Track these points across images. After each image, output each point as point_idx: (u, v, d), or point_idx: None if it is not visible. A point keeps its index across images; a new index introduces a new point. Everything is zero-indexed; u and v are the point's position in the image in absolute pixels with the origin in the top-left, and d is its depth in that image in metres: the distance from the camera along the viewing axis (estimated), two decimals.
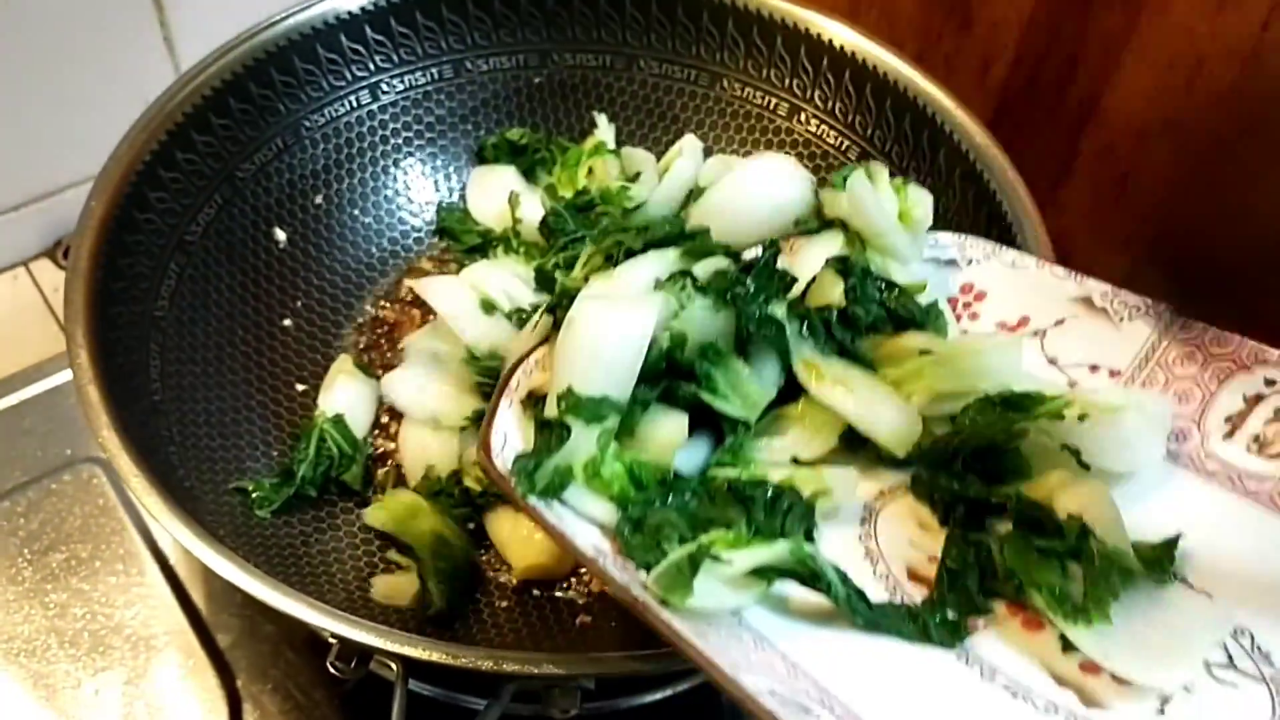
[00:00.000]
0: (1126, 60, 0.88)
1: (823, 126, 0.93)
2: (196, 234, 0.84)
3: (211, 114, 0.84)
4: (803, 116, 0.94)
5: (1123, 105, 0.90)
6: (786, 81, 0.94)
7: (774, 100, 0.95)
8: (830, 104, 0.92)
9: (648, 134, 0.99)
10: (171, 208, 0.81)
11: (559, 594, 0.77)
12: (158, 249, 0.80)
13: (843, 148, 0.92)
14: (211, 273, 0.85)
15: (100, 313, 0.72)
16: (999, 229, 0.80)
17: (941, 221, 0.84)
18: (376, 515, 0.77)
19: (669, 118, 0.98)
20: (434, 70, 0.96)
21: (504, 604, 0.76)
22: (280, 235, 0.90)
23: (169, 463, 0.72)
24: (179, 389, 0.78)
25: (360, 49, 0.92)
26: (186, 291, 0.82)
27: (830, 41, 0.90)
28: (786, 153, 0.95)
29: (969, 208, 0.83)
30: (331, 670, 0.61)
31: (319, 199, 0.92)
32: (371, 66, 0.93)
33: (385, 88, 0.94)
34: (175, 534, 0.63)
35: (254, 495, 0.76)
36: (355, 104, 0.93)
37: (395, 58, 0.94)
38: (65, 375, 0.90)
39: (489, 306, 0.81)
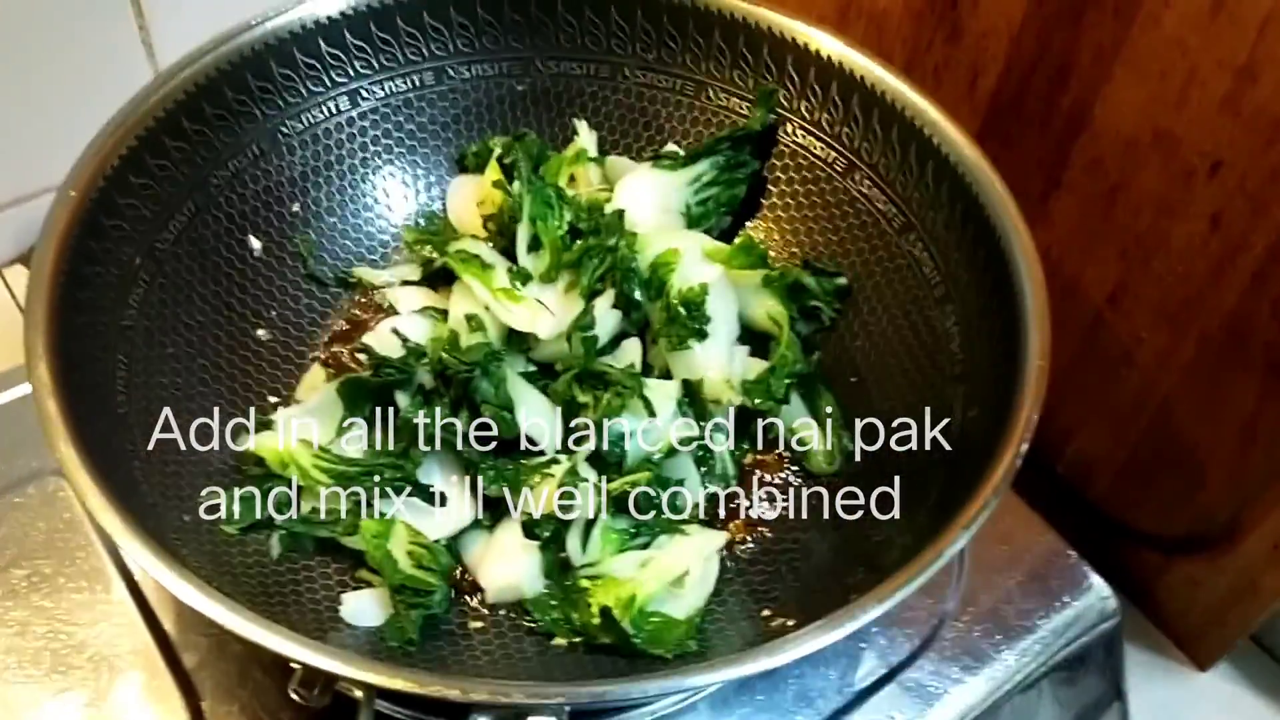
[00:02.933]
0: (1117, 71, 0.87)
1: (809, 138, 0.91)
2: (168, 242, 0.82)
3: (185, 119, 0.82)
4: (789, 128, 0.92)
5: (1113, 117, 0.89)
6: (775, 92, 0.92)
7: None
8: (816, 115, 0.90)
9: (632, 143, 0.97)
10: (141, 214, 0.79)
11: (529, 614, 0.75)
12: (126, 257, 0.78)
13: (829, 160, 0.91)
14: (183, 281, 0.83)
15: (63, 322, 0.70)
16: (987, 245, 0.78)
17: (929, 237, 0.83)
18: (351, 540, 0.75)
19: (654, 127, 0.97)
20: (415, 77, 0.94)
21: (476, 624, 0.74)
22: (255, 244, 0.88)
23: (131, 479, 0.70)
24: (146, 401, 0.76)
25: (340, 54, 0.90)
26: (156, 301, 0.80)
27: (817, 51, 0.88)
28: (772, 164, 0.93)
29: (956, 222, 0.82)
30: (294, 697, 0.59)
31: (295, 207, 0.90)
32: (351, 72, 0.91)
33: (365, 94, 0.93)
34: (132, 553, 0.61)
35: (222, 512, 0.74)
36: (334, 110, 0.91)
37: (375, 64, 0.92)
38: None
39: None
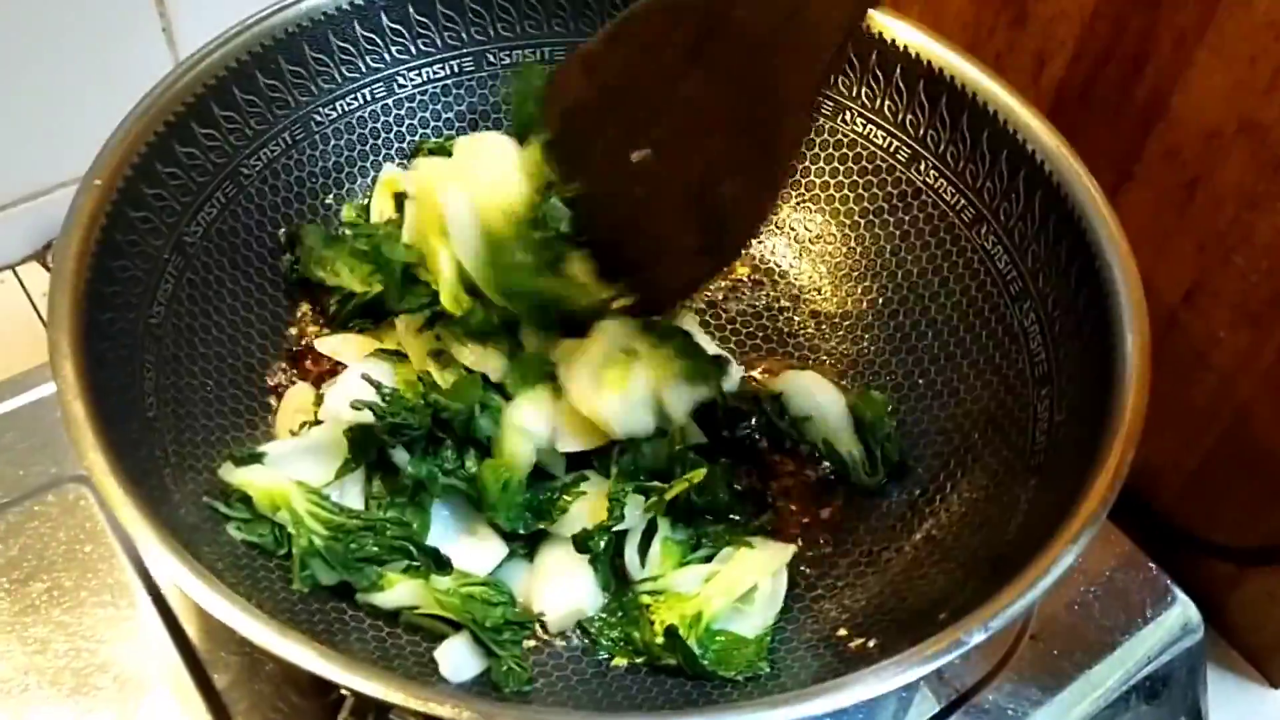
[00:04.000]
0: (1201, 56, 0.82)
1: (870, 126, 0.86)
2: (197, 234, 0.77)
3: (215, 105, 0.78)
4: (848, 116, 0.87)
5: (1194, 105, 0.84)
6: (832, 77, 0.87)
7: (818, 99, 0.88)
8: (879, 102, 0.86)
9: None
10: (169, 205, 0.75)
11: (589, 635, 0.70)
12: (153, 250, 0.73)
13: (891, 149, 0.86)
14: (213, 277, 0.78)
15: (88, 319, 0.65)
16: (1070, 236, 0.74)
17: (1003, 230, 0.78)
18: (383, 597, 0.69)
19: None
20: (454, 63, 0.89)
21: (530, 644, 0.69)
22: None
23: (163, 488, 0.65)
24: (176, 404, 0.71)
25: (375, 38, 0.86)
26: (185, 297, 0.75)
27: (880, 35, 0.83)
28: (829, 155, 0.89)
29: (1034, 212, 0.77)
30: None
31: (330, 199, 0.86)
32: (387, 58, 0.87)
33: (402, 81, 0.88)
34: (167, 569, 0.56)
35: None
36: (369, 98, 0.87)
37: (413, 49, 0.87)
38: (50, 387, 0.83)
39: None
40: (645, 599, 0.70)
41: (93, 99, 0.76)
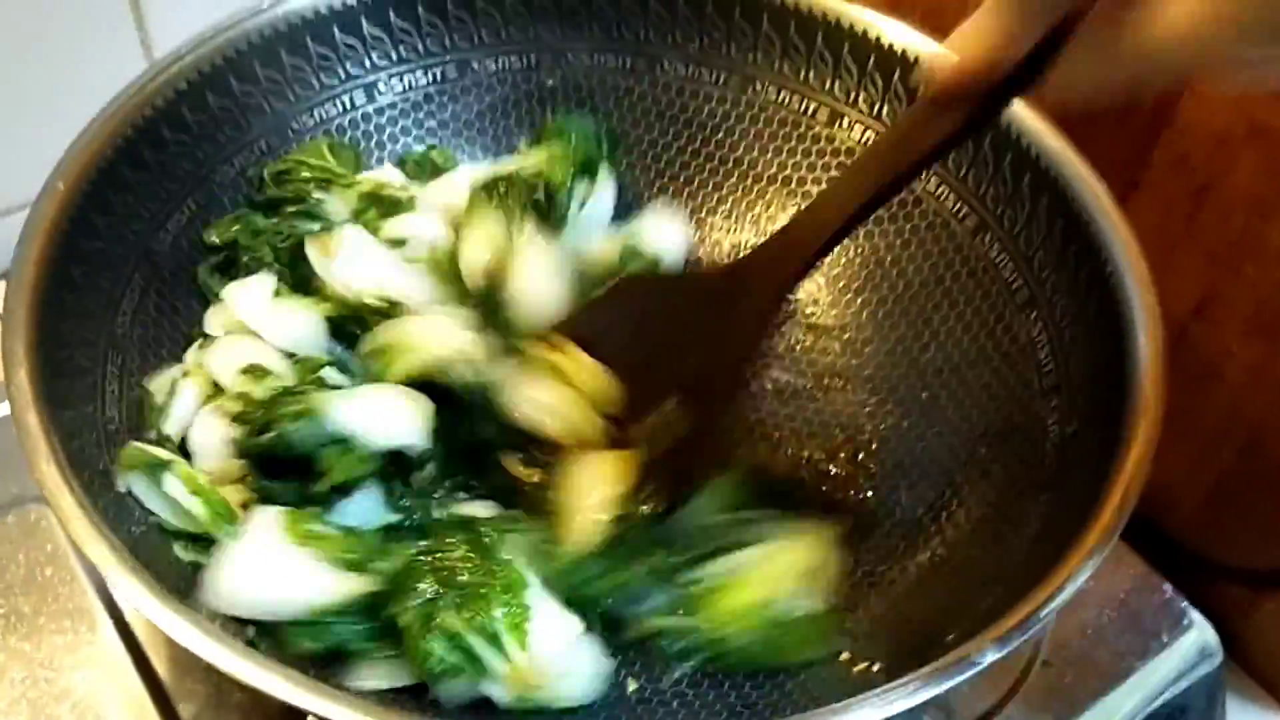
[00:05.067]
0: None
1: (868, 133, 0.84)
2: (165, 243, 0.74)
3: (186, 109, 0.75)
4: (845, 122, 0.84)
5: (1202, 110, 0.81)
6: (828, 84, 0.84)
7: (813, 105, 0.85)
8: (877, 108, 0.83)
9: (671, 142, 0.89)
10: (137, 212, 0.72)
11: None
12: (118, 258, 0.70)
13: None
14: (182, 287, 0.75)
15: (47, 327, 0.62)
16: (1079, 241, 0.71)
17: (1008, 236, 0.75)
18: None
19: (694, 125, 0.89)
20: (436, 70, 0.86)
21: None
22: None
23: (123, 505, 0.61)
24: (139, 418, 0.67)
25: (355, 44, 0.83)
26: (152, 307, 0.72)
27: (878, 39, 0.81)
28: (827, 163, 0.86)
29: (1041, 219, 0.74)
30: None
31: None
32: (367, 64, 0.84)
33: (382, 88, 0.85)
34: (123, 588, 0.52)
35: None
36: (349, 105, 0.84)
37: (394, 55, 0.84)
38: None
39: None
40: (695, 589, 0.66)
41: (66, 112, 0.72)
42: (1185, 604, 0.78)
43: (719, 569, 0.67)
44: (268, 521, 0.61)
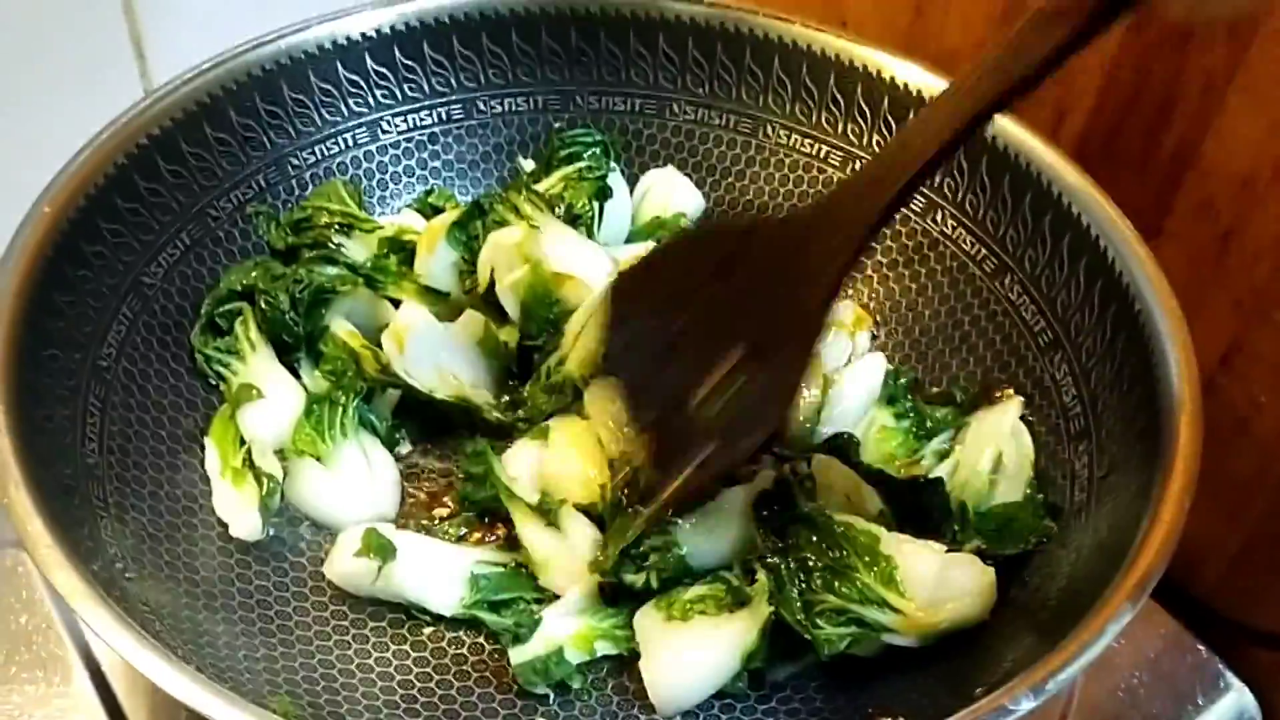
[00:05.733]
0: (1232, 100, 0.77)
1: None
2: (157, 276, 0.71)
3: (183, 140, 0.73)
4: (858, 165, 0.82)
5: (1226, 152, 0.79)
6: (840, 126, 0.82)
7: (825, 148, 0.83)
8: None
9: None
10: (128, 243, 0.69)
11: None
12: (107, 289, 0.68)
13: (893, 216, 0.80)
14: (173, 322, 0.72)
15: (26, 353, 0.59)
16: (1104, 279, 0.68)
17: (1029, 278, 0.73)
18: None
19: (704, 168, 0.87)
20: (442, 110, 0.85)
21: None
22: None
23: (97, 538, 0.58)
24: (121, 453, 0.65)
25: (359, 81, 0.81)
26: (140, 341, 0.69)
27: (891, 79, 0.79)
28: None
29: (1064, 258, 0.71)
30: None
31: None
32: (371, 102, 0.82)
33: (386, 126, 0.83)
34: (91, 620, 0.48)
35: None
36: (351, 143, 0.82)
37: (399, 93, 0.83)
38: None
39: None
40: None
41: (60, 140, 0.70)
42: (1221, 665, 0.74)
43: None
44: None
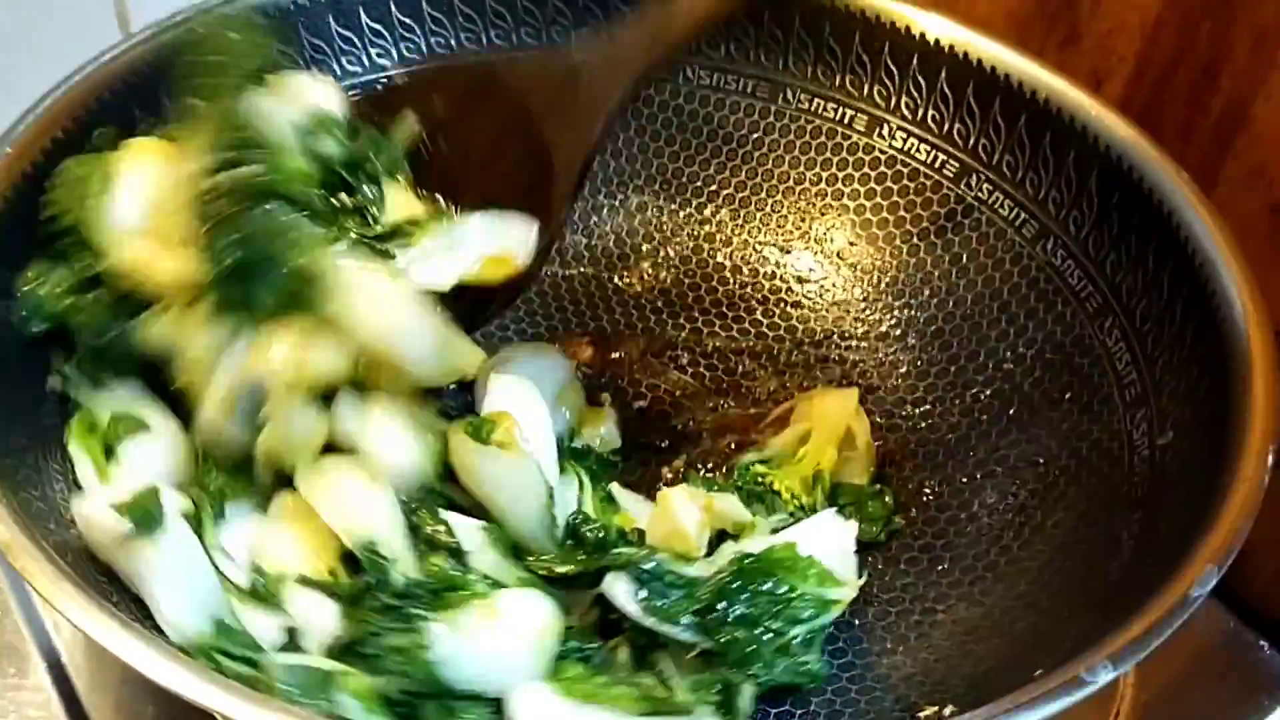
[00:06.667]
0: None
1: (911, 140, 0.76)
2: None
3: (162, 90, 0.67)
4: (885, 130, 0.77)
5: (1278, 114, 0.74)
6: (866, 89, 0.77)
7: (849, 113, 0.78)
8: (921, 112, 0.75)
9: (694, 156, 0.82)
10: None
11: None
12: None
13: (936, 163, 0.75)
14: None
15: None
16: (1159, 235, 0.63)
17: (1074, 240, 0.67)
18: None
19: (720, 136, 0.82)
20: None
21: None
22: None
23: (52, 505, 0.52)
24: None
25: (352, 38, 0.76)
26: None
27: (922, 35, 0.74)
28: (865, 174, 0.78)
29: (1113, 217, 0.66)
30: None
31: None
32: (366, 62, 0.77)
33: (381, 88, 0.78)
34: (36, 577, 0.42)
35: None
36: None
37: (395, 53, 0.78)
38: None
39: None
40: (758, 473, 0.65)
41: (31, 84, 0.65)
42: None
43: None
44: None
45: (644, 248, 0.82)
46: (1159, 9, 0.78)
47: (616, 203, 0.83)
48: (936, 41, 0.74)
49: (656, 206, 0.82)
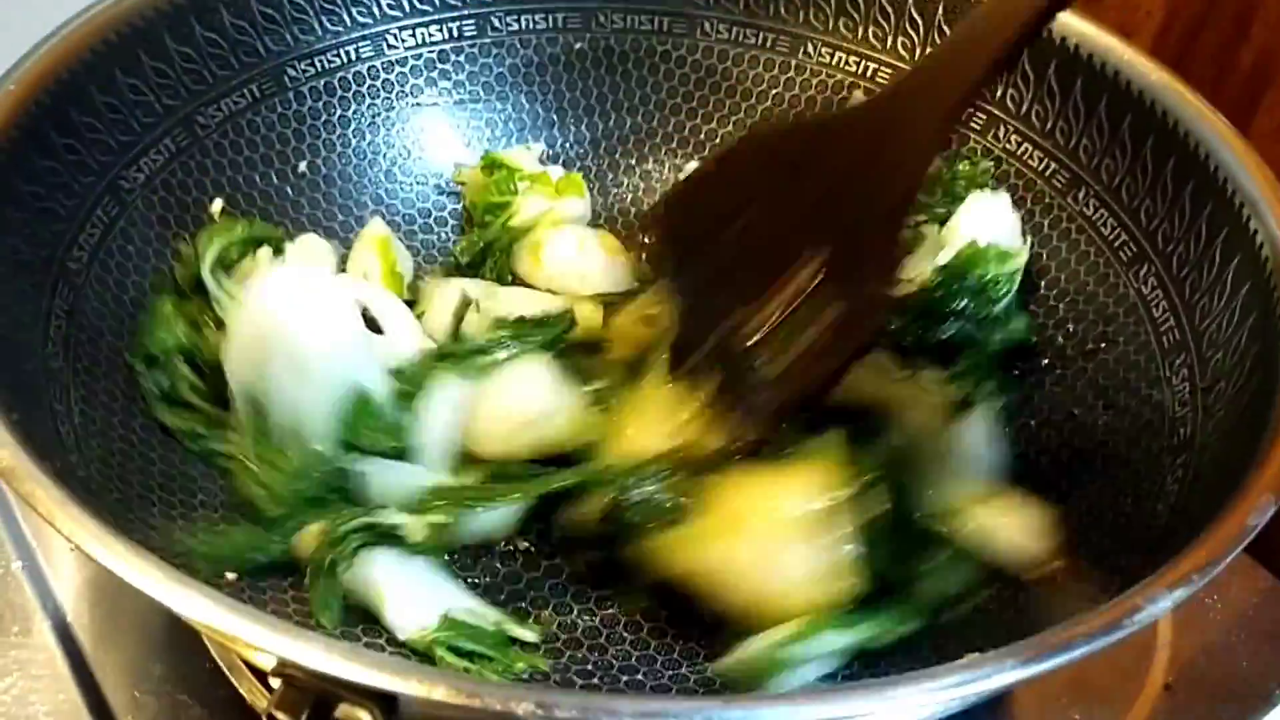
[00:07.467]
0: None
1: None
2: (137, 182, 0.64)
3: (168, 36, 0.66)
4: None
5: None
6: (889, 41, 0.75)
7: (872, 66, 0.76)
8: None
9: (712, 113, 0.80)
10: (104, 140, 0.62)
11: None
12: (80, 186, 0.60)
13: (964, 118, 0.73)
14: (154, 234, 0.65)
15: None
16: (1196, 179, 0.61)
17: (1107, 189, 0.66)
18: None
19: (738, 93, 0.80)
20: (453, 25, 0.77)
21: None
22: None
23: (59, 440, 0.51)
24: (90, 362, 0.57)
25: None
26: (116, 249, 0.62)
27: None
28: None
29: (1147, 164, 0.64)
30: None
31: (303, 166, 0.73)
32: (376, 12, 0.75)
33: (392, 40, 0.76)
34: (47, 509, 0.40)
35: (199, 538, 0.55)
36: (354, 56, 0.75)
37: (406, 4, 0.76)
38: None
39: None
40: None
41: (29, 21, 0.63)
42: None
43: None
44: None
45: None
46: None
47: (633, 162, 0.81)
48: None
49: (674, 165, 0.80)
